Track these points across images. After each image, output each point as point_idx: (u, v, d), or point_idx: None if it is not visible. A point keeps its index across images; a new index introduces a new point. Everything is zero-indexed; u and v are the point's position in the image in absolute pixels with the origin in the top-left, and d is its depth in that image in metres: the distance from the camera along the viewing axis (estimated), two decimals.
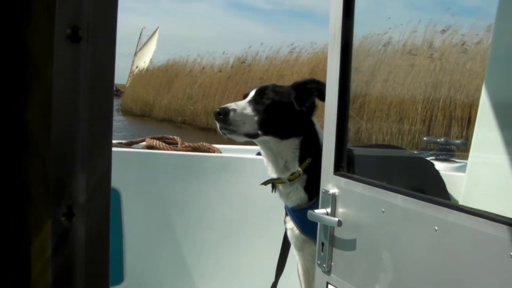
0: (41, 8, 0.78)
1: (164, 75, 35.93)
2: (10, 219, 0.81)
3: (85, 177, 0.81)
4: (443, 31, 16.36)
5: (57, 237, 0.80)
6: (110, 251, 0.86)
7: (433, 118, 14.58)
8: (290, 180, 2.90)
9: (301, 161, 2.90)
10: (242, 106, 2.84)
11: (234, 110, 2.79)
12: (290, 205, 2.99)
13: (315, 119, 2.96)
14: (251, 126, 2.81)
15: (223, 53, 31.55)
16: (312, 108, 2.93)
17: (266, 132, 2.84)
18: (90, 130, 0.81)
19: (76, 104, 0.80)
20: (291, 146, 2.90)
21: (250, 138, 2.88)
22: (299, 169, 2.88)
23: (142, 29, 58.25)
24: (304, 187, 2.92)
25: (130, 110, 37.05)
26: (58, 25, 0.77)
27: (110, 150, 0.83)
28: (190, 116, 29.56)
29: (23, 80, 0.80)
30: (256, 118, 2.82)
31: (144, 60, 46.27)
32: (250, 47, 29.31)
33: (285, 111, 2.88)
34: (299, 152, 2.89)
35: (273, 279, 3.35)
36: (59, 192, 0.80)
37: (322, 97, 2.69)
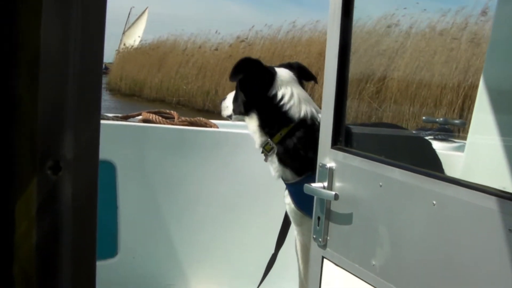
0: None
1: (155, 53, 33.95)
2: None
3: (73, 134, 0.78)
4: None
5: (44, 192, 0.77)
6: (97, 210, 0.84)
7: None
8: (267, 151, 3.08)
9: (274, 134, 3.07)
10: (230, 95, 3.37)
11: (224, 98, 3.44)
12: (275, 177, 3.10)
13: (277, 94, 3.05)
14: (229, 110, 3.33)
15: (216, 32, 30.57)
16: (252, 86, 3.13)
17: (235, 113, 3.27)
18: (80, 88, 0.79)
19: (66, 63, 0.78)
20: (252, 120, 3.14)
21: (229, 118, 3.39)
22: (270, 141, 3.06)
23: (130, 9, 56.07)
24: (279, 159, 3.04)
25: (118, 89, 34.99)
26: None
27: (99, 108, 0.81)
28: (185, 96, 28.24)
29: (10, 42, 0.77)
30: (231, 104, 3.31)
31: (134, 39, 44.56)
32: (253, 26, 28.19)
33: (242, 93, 3.18)
34: (261, 126, 3.09)
35: (270, 256, 3.35)
36: (46, 148, 0.78)
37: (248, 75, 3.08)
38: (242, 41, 27.70)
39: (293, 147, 2.96)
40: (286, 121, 2.99)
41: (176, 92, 28.89)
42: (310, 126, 2.96)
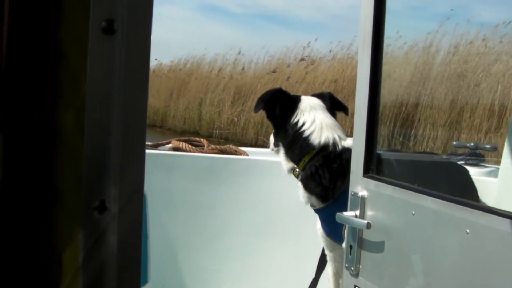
0: (75, 2, 0.78)
1: (172, 77, 28.59)
2: (42, 214, 0.80)
3: (119, 174, 0.80)
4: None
5: (90, 233, 0.79)
6: (142, 250, 0.85)
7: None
8: (296, 177, 3.13)
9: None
10: None
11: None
12: (304, 204, 3.12)
13: (299, 121, 3.09)
14: (271, 144, 3.37)
15: (239, 53, 25.99)
16: (277, 115, 3.19)
17: (274, 146, 3.31)
18: (125, 125, 0.81)
19: (110, 99, 0.80)
20: (280, 148, 3.21)
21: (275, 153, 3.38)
22: (297, 168, 3.09)
23: None
24: (304, 186, 3.06)
25: None
26: (93, 18, 0.77)
27: (144, 146, 0.83)
28: (227, 127, 22.61)
29: (57, 77, 0.79)
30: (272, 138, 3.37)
31: None
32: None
33: (270, 122, 3.29)
34: (286, 153, 3.16)
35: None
36: (92, 188, 0.80)
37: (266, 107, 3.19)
38: (274, 70, 23.59)
39: (315, 173, 2.97)
40: (308, 148, 3.03)
41: (212, 121, 23.83)
42: (331, 153, 2.97)
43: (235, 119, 22.32)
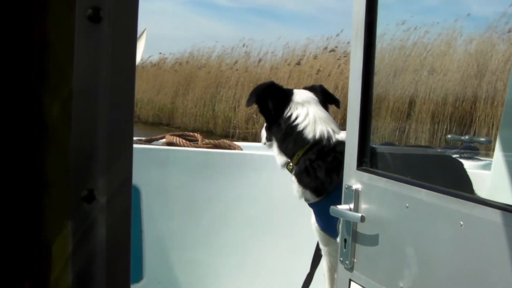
0: None
1: (181, 72, 25.59)
2: (30, 206, 0.80)
3: (106, 163, 0.79)
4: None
5: (78, 223, 0.78)
6: (131, 242, 0.84)
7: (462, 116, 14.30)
8: (290, 171, 3.11)
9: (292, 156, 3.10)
10: None
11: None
12: (298, 198, 3.11)
13: (292, 114, 3.08)
14: (263, 138, 3.38)
15: (244, 45, 23.58)
16: (269, 109, 3.18)
17: (267, 140, 3.30)
18: (112, 115, 0.80)
19: (97, 88, 0.79)
20: (273, 142, 3.19)
21: (267, 147, 3.36)
22: (291, 162, 3.08)
23: None
24: (298, 180, 3.05)
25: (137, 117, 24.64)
26: (79, 6, 0.76)
27: (132, 136, 0.82)
28: (246, 128, 20.05)
29: (43, 67, 0.78)
30: (264, 132, 3.35)
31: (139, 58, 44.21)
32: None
33: (263, 116, 3.27)
34: (279, 147, 3.15)
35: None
36: (79, 177, 0.79)
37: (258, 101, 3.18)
38: (298, 62, 21.18)
39: (309, 167, 2.96)
40: (302, 142, 3.01)
41: (227, 119, 21.16)
42: (325, 147, 2.96)
43: (255, 116, 19.79)
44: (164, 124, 23.80)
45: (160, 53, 28.09)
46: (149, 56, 27.50)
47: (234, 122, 20.91)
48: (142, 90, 25.40)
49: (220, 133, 20.29)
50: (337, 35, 20.95)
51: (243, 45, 23.99)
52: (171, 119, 24.30)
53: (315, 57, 20.81)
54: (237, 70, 22.94)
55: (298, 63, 20.92)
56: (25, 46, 0.77)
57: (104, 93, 0.78)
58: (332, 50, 20.51)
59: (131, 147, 0.81)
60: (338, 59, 19.43)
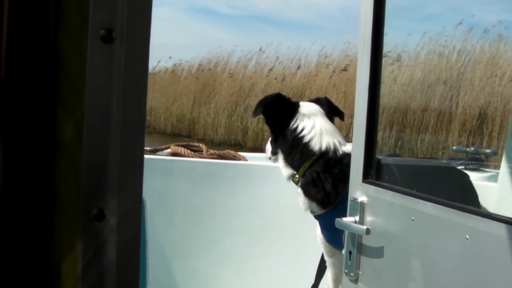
0: (74, 11, 0.78)
1: (196, 80, 23.22)
2: (41, 221, 0.80)
3: (118, 183, 0.80)
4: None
5: (88, 241, 0.79)
6: (141, 256, 0.85)
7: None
8: (296, 183, 3.10)
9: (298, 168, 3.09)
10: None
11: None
12: (303, 210, 3.10)
13: (298, 126, 3.08)
14: (268, 152, 3.37)
15: (260, 49, 21.50)
16: (276, 120, 3.18)
17: (272, 154, 3.29)
18: (123, 133, 0.80)
19: (109, 107, 0.80)
20: (279, 154, 3.17)
21: (272, 161, 3.37)
22: (297, 174, 3.06)
23: None
24: (304, 192, 3.04)
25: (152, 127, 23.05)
26: (92, 27, 0.77)
27: (143, 153, 0.83)
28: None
29: (55, 84, 0.79)
30: (269, 145, 3.35)
31: None
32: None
33: (269, 128, 3.27)
34: (285, 159, 3.13)
35: None
36: (90, 195, 0.80)
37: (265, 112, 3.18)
38: (345, 68, 18.69)
39: (316, 179, 2.96)
40: (308, 154, 3.01)
41: (260, 132, 18.82)
42: (332, 159, 2.96)
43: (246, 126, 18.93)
44: (184, 136, 21.17)
45: (170, 57, 25.64)
46: (158, 61, 25.20)
47: (268, 134, 18.58)
48: (156, 97, 23.41)
49: (251, 147, 18.25)
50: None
51: (260, 49, 21.90)
52: (192, 130, 21.79)
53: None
54: (275, 78, 20.67)
55: (345, 69, 18.46)
56: (39, 65, 0.78)
57: (116, 111, 0.79)
58: (385, 56, 17.49)
59: (142, 166, 0.81)
60: (391, 63, 16.61)
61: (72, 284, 0.79)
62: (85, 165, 0.79)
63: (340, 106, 3.47)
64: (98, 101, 0.79)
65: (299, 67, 20.56)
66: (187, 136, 20.81)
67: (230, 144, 18.68)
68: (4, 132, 0.77)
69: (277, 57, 21.52)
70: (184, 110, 22.55)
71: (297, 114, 3.08)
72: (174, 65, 25.60)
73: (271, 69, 21.27)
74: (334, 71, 18.98)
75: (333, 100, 3.44)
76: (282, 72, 20.90)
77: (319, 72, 19.57)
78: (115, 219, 0.79)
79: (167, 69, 25.74)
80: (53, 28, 0.77)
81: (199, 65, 24.14)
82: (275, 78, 20.56)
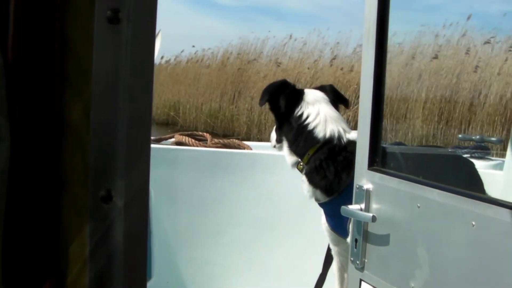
0: None
1: (222, 71, 20.80)
2: (49, 204, 0.80)
3: (125, 164, 0.80)
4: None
5: (95, 221, 0.79)
6: (147, 241, 0.85)
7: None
8: (300, 171, 3.10)
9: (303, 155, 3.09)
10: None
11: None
12: (308, 197, 3.10)
13: (303, 113, 3.07)
14: (273, 140, 3.35)
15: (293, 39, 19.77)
16: (280, 107, 3.16)
17: (277, 142, 3.28)
18: (130, 114, 0.80)
19: (116, 89, 0.79)
20: (283, 142, 3.17)
21: (277, 149, 3.36)
22: (301, 162, 3.06)
23: None
24: (308, 180, 3.04)
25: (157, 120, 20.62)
26: (98, 8, 0.76)
27: (149, 135, 0.82)
28: None
29: (62, 66, 0.79)
30: (274, 134, 3.33)
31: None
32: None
33: (273, 115, 3.27)
34: (290, 146, 3.13)
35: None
36: (98, 177, 0.80)
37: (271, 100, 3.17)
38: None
39: (320, 167, 2.96)
40: (312, 141, 3.01)
41: (259, 125, 18.19)
42: (336, 146, 2.96)
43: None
44: (220, 135, 16.99)
45: (193, 46, 23.16)
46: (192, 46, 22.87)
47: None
48: (178, 91, 21.65)
49: None
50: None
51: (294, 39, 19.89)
52: (227, 129, 19.50)
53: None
54: (308, 68, 18.89)
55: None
56: (46, 47, 0.77)
57: (123, 93, 0.79)
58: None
59: (149, 148, 0.81)
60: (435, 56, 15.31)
61: (80, 266, 0.79)
62: (92, 146, 0.78)
63: None
64: (105, 84, 0.79)
65: (334, 58, 18.99)
66: (224, 136, 16.61)
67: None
68: (12, 115, 0.77)
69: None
70: (213, 105, 20.34)
71: (302, 102, 3.08)
72: (193, 52, 23.26)
73: (302, 61, 19.34)
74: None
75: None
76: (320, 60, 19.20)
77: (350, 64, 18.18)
78: (123, 201, 0.79)
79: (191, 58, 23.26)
80: (60, 10, 0.76)
81: (222, 55, 21.96)
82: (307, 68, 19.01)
